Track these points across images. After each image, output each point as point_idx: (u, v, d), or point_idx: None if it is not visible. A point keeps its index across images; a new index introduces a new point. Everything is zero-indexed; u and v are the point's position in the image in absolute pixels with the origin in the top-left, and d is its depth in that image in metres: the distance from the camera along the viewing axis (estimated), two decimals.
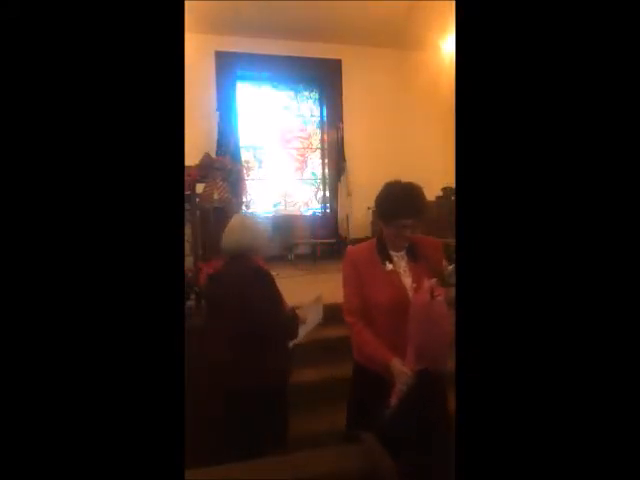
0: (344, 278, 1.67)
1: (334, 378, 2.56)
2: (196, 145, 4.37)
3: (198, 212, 2.27)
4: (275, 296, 1.76)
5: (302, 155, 7.23)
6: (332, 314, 3.06)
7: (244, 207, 5.72)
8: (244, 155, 6.62)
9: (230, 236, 1.76)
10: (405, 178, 1.59)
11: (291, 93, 7.11)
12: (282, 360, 1.75)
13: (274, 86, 6.99)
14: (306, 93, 7.18)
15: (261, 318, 1.64)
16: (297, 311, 1.85)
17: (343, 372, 2.59)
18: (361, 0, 5.40)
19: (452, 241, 1.03)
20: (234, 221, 1.83)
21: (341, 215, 6.59)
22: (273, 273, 1.94)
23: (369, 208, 5.84)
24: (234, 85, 6.59)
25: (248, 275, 1.71)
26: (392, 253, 1.62)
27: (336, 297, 3.28)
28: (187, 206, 2.12)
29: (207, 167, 2.38)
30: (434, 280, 1.41)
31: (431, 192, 5.81)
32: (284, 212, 6.81)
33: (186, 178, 2.10)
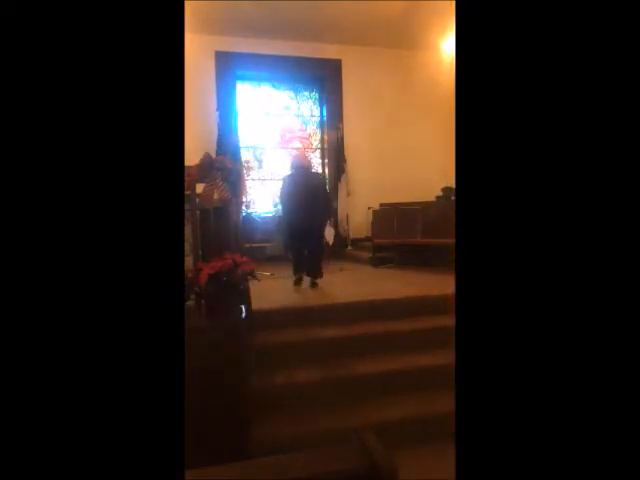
0: None
1: (334, 378, 2.56)
2: (196, 145, 4.38)
3: (198, 212, 2.27)
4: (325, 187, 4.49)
5: None
6: (332, 314, 3.08)
7: (244, 207, 5.71)
8: (244, 155, 6.62)
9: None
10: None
11: (291, 93, 7.11)
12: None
13: (274, 86, 6.99)
14: (306, 93, 7.18)
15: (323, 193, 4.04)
16: None
17: (343, 372, 2.60)
18: (361, 0, 5.40)
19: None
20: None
21: (341, 215, 6.59)
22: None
23: (369, 208, 5.85)
24: (234, 85, 6.59)
25: (314, 174, 4.44)
26: None
27: (336, 297, 3.30)
28: (187, 206, 2.12)
29: (207, 167, 2.37)
30: None
31: (431, 192, 5.83)
32: None
33: (186, 178, 2.10)
